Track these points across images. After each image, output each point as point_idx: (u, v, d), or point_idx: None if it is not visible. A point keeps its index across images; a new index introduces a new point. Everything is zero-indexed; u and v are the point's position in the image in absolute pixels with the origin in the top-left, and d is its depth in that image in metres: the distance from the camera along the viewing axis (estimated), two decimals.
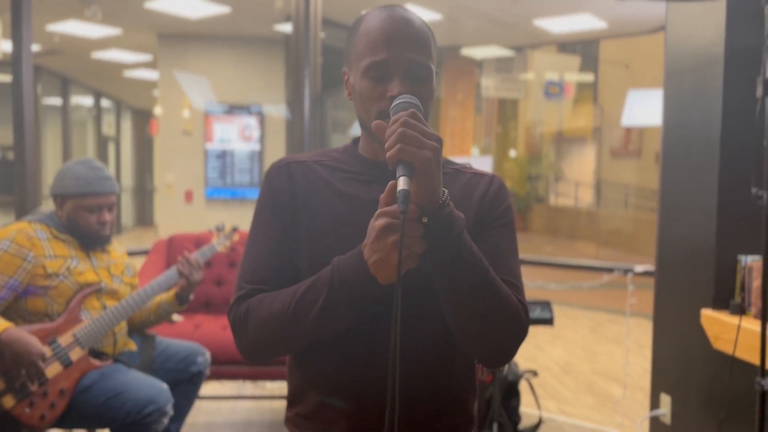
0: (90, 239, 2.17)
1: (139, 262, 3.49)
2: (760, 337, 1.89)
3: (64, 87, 11.06)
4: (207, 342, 2.73)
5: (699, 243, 2.55)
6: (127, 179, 14.60)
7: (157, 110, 12.24)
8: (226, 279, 3.46)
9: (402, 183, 0.86)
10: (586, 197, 13.27)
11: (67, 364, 2.02)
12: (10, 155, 10.14)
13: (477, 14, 6.38)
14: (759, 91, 2.02)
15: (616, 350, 5.08)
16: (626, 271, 3.01)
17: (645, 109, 5.34)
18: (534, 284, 4.62)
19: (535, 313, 2.50)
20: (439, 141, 0.91)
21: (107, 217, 2.17)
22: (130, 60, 9.13)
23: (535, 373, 2.98)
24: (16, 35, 2.83)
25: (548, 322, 2.51)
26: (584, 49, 9.62)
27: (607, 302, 6.59)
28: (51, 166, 10.86)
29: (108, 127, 13.43)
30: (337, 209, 1.07)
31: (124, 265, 2.31)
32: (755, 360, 2.16)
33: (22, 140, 2.86)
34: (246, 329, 1.04)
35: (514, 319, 1.00)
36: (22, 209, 2.87)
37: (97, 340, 2.09)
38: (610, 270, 3.09)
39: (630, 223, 10.70)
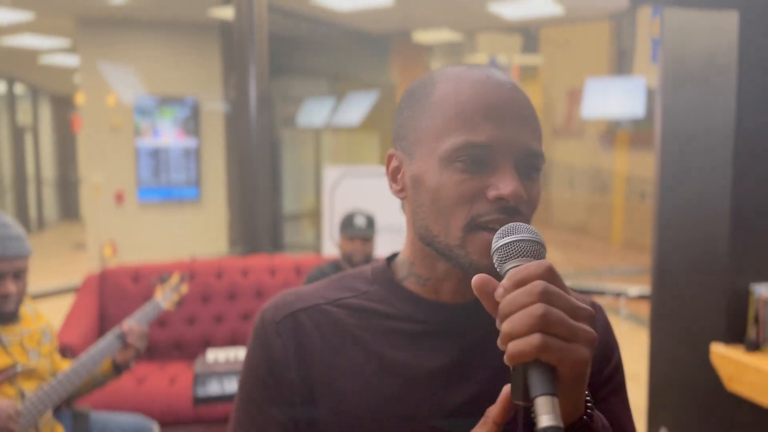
0: None
1: (65, 301, 2.92)
2: None
3: None
4: (153, 402, 2.34)
5: (706, 269, 2.31)
6: (48, 171, 13.56)
7: (79, 98, 11.35)
8: (198, 317, 3.03)
9: (546, 411, 0.48)
10: None
11: None
12: None
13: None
14: None
15: None
16: (617, 295, 2.77)
17: (605, 99, 5.13)
18: None
19: None
20: (592, 319, 0.54)
21: (10, 288, 1.70)
22: (46, 45, 8.31)
23: None
24: None
25: None
26: (526, 31, 9.44)
27: None
28: None
29: (23, 116, 12.38)
30: (373, 385, 0.69)
31: (40, 332, 1.87)
32: None
33: None
34: None
35: None
36: None
37: None
38: (599, 293, 2.84)
39: (581, 206, 10.75)
